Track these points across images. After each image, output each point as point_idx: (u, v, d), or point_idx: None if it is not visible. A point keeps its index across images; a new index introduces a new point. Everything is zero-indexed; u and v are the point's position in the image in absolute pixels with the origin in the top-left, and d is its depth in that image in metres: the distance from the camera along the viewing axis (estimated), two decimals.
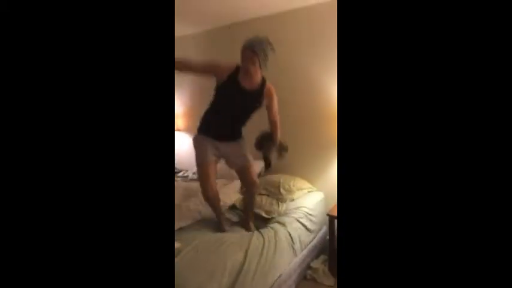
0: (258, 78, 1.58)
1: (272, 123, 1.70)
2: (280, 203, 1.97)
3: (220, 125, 1.64)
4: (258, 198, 2.00)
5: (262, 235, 1.60)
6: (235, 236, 1.57)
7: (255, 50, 1.47)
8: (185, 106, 3.18)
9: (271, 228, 1.71)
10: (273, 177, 2.23)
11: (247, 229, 1.75)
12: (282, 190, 2.05)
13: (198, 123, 1.72)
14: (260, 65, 1.51)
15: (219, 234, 1.61)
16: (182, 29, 2.80)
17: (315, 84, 2.26)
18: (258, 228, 1.76)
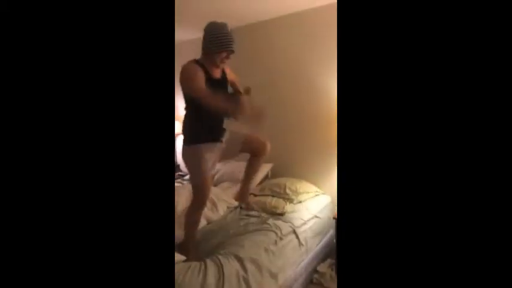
0: None
1: (234, 84, 1.62)
2: (286, 202, 1.94)
3: (212, 127, 1.52)
4: (263, 199, 1.98)
5: (268, 238, 1.57)
6: (241, 239, 1.54)
7: (233, 49, 1.41)
8: None
9: (278, 230, 1.68)
10: (279, 180, 2.21)
11: (247, 204, 1.65)
12: (288, 191, 2.03)
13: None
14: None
15: (224, 238, 1.59)
16: (187, 33, 2.84)
17: (320, 86, 2.26)
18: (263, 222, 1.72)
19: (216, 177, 2.61)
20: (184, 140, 1.53)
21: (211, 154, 1.49)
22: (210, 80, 1.42)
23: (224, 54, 1.42)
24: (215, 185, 2.41)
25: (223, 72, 1.55)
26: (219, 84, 1.48)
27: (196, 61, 1.45)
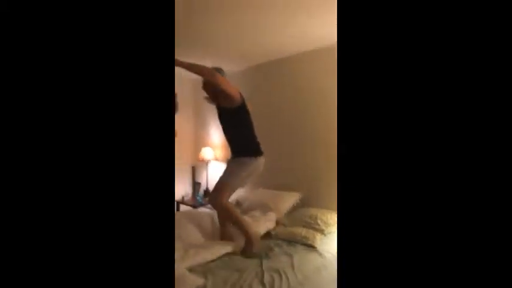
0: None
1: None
2: (317, 233, 1.91)
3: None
4: (293, 229, 1.96)
5: (301, 270, 1.54)
6: (272, 267, 1.53)
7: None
8: (223, 138, 3.33)
9: (311, 261, 1.64)
10: (310, 211, 2.19)
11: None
12: (319, 222, 2.00)
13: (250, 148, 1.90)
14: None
15: (253, 267, 1.58)
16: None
17: None
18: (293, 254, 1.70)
19: (245, 204, 2.63)
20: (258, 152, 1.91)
21: None
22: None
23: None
24: (245, 213, 2.43)
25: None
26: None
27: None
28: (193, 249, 1.74)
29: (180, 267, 1.43)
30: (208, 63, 2.83)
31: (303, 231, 1.90)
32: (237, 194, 2.89)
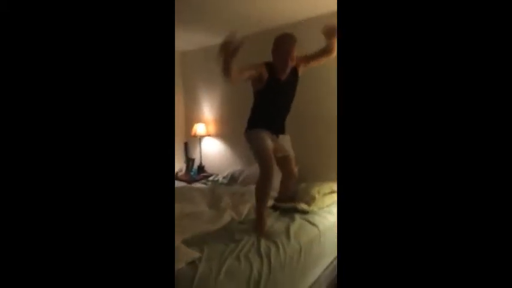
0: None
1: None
2: (312, 206, 1.92)
3: (270, 119, 1.78)
4: (291, 202, 1.97)
5: (298, 241, 1.55)
6: (267, 242, 1.54)
7: (293, 45, 1.65)
8: (216, 113, 3.27)
9: (307, 232, 1.66)
10: (307, 184, 2.15)
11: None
12: (314, 194, 1.98)
13: (247, 121, 1.82)
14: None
15: (249, 237, 1.59)
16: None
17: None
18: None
19: (241, 178, 2.63)
20: (248, 125, 1.79)
21: (268, 138, 1.73)
22: (274, 80, 1.70)
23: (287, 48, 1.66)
24: (245, 186, 2.44)
25: (294, 74, 1.78)
26: (283, 84, 1.74)
27: (266, 63, 1.71)
28: (189, 221, 1.74)
29: (176, 240, 1.42)
30: (209, 33, 2.72)
31: (298, 204, 1.91)
32: (233, 168, 2.88)
